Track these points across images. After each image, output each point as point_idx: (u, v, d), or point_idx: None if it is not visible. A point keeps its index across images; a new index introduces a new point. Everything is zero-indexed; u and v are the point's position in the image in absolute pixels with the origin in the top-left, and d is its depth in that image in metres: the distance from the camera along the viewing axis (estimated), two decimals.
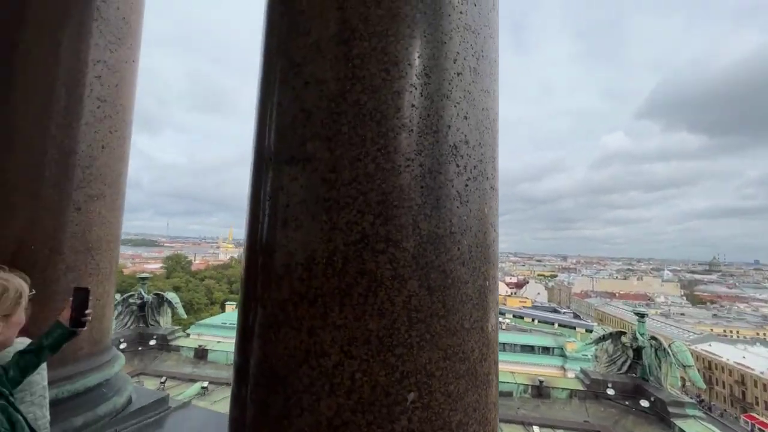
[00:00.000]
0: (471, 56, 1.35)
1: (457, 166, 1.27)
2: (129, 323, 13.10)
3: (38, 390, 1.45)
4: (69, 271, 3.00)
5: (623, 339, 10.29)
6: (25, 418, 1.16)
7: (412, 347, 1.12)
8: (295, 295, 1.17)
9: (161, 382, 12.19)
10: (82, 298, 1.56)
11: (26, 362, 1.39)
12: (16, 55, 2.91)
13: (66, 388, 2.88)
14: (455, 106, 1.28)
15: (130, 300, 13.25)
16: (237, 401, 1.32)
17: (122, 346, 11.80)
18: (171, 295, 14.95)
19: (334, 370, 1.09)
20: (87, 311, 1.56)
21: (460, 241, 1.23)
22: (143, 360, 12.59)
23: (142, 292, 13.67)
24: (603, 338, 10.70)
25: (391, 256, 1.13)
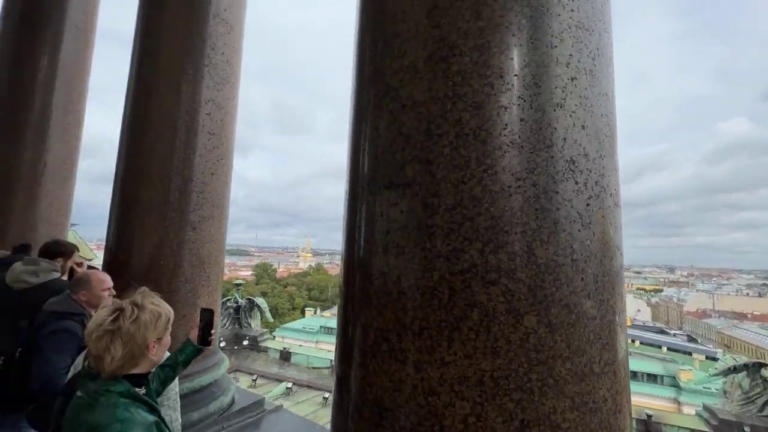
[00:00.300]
0: (586, 57, 1.19)
1: (576, 183, 1.11)
2: (227, 324, 14.84)
3: (172, 395, 1.66)
4: (187, 283, 3.47)
5: (764, 372, 8.25)
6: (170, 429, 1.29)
7: (532, 392, 0.98)
8: (399, 325, 1.13)
9: (253, 380, 13.41)
10: (208, 318, 1.74)
11: (165, 376, 1.59)
12: (151, 101, 3.52)
13: (185, 386, 3.30)
14: (570, 116, 1.13)
15: (228, 304, 15.02)
16: (339, 425, 1.33)
17: (221, 345, 13.38)
18: (260, 301, 16.54)
19: (444, 410, 1.01)
20: (212, 330, 1.73)
21: (583, 270, 1.07)
22: (238, 358, 14.08)
23: (237, 297, 15.40)
24: (734, 369, 8.72)
25: (504, 287, 1.02)
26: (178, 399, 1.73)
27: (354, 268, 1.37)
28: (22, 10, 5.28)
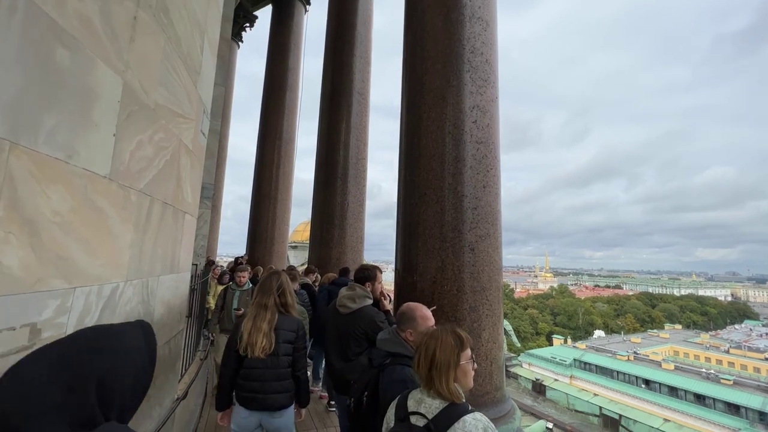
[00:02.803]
0: None
1: None
2: None
3: None
4: (471, 311, 3.08)
5: None
6: None
7: None
8: None
9: None
10: None
11: None
12: (421, 122, 3.56)
13: None
14: None
15: None
16: None
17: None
18: (505, 323, 15.53)
19: None
20: None
21: None
22: None
23: None
24: None
25: None
26: None
27: None
28: (331, 91, 7.26)
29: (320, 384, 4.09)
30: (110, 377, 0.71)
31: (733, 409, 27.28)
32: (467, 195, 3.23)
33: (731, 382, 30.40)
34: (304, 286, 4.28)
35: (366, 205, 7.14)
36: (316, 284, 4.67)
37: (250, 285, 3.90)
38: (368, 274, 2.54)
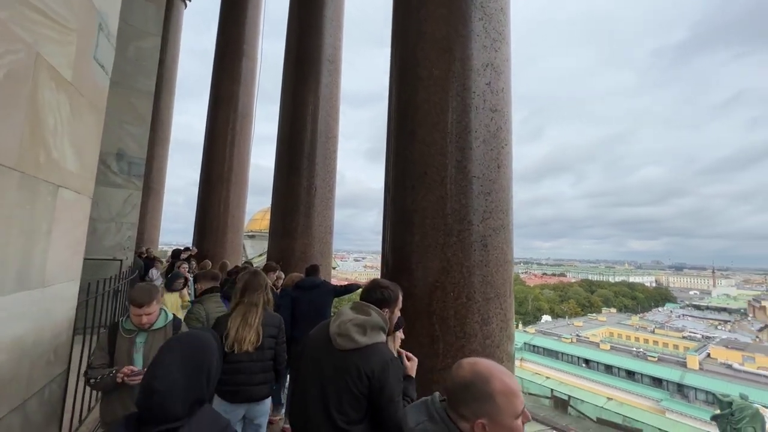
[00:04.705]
0: None
1: None
2: None
3: None
4: (484, 325, 2.42)
5: None
6: None
7: None
8: None
9: None
10: None
11: None
12: (418, 81, 2.77)
13: None
14: None
15: None
16: None
17: None
18: None
19: None
20: None
21: None
22: None
23: None
24: None
25: None
26: None
27: None
28: (296, 58, 6.19)
29: (282, 411, 3.25)
30: (212, 369, 1.00)
31: (657, 382, 30.80)
32: (479, 176, 2.54)
33: (656, 359, 34.24)
34: None
35: (336, 191, 6.26)
36: (279, 285, 3.78)
37: (169, 320, 2.03)
38: (389, 296, 1.52)
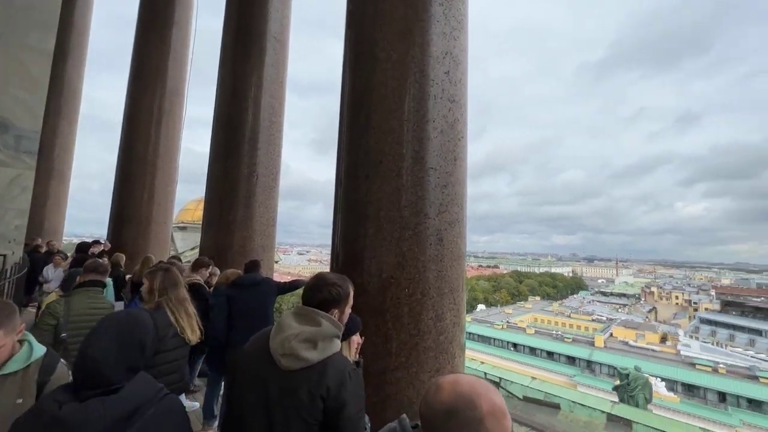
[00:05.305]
0: None
1: None
2: None
3: None
4: (438, 321, 2.36)
5: None
6: None
7: None
8: None
9: None
10: None
11: None
12: (374, 67, 2.59)
13: None
14: None
15: None
16: None
17: None
18: None
19: None
20: None
21: None
22: None
23: None
24: None
25: None
26: None
27: None
28: (236, 30, 5.58)
29: (215, 424, 2.89)
30: (146, 342, 1.10)
31: (571, 360, 35.17)
32: (436, 168, 2.45)
33: (571, 340, 38.93)
34: (191, 287, 2.97)
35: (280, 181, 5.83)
36: (213, 283, 3.36)
37: (35, 359, 1.38)
38: (337, 294, 1.26)
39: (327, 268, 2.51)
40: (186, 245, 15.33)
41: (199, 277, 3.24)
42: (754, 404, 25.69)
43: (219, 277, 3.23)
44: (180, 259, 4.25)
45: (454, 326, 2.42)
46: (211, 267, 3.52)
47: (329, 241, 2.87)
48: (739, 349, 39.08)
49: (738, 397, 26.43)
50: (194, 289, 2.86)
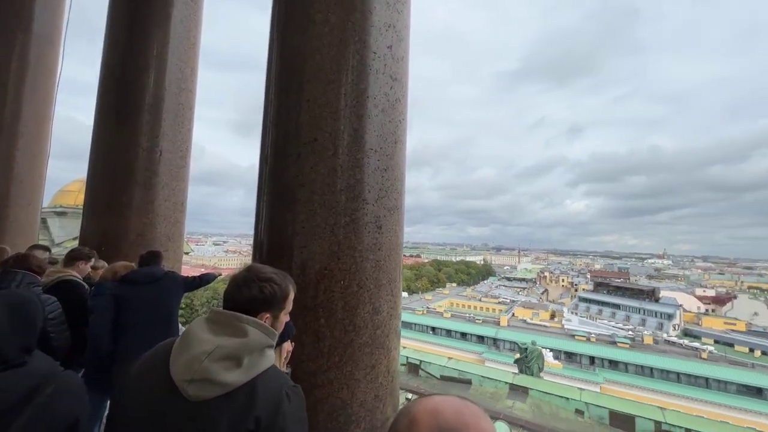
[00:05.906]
0: None
1: None
2: None
3: None
4: (375, 315, 2.20)
5: None
6: None
7: None
8: None
9: None
10: None
11: None
12: (310, 30, 2.27)
13: None
14: None
15: None
16: None
17: None
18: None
19: None
20: None
21: None
22: None
23: None
24: None
25: None
26: None
27: None
28: None
29: None
30: (37, 321, 1.10)
31: (481, 339, 39.31)
32: (376, 149, 2.26)
33: (481, 321, 43.41)
34: (59, 285, 2.28)
35: (191, 161, 5.02)
36: (94, 280, 2.67)
37: None
38: (272, 293, 0.98)
39: (249, 260, 2.15)
40: (66, 234, 12.64)
41: (75, 273, 2.54)
42: (612, 364, 32.11)
43: (104, 272, 2.58)
44: (49, 250, 3.33)
45: (391, 319, 2.29)
46: (93, 260, 2.81)
47: (251, 231, 2.49)
48: (605, 321, 48.37)
49: (603, 359, 32.69)
50: (64, 288, 2.21)
